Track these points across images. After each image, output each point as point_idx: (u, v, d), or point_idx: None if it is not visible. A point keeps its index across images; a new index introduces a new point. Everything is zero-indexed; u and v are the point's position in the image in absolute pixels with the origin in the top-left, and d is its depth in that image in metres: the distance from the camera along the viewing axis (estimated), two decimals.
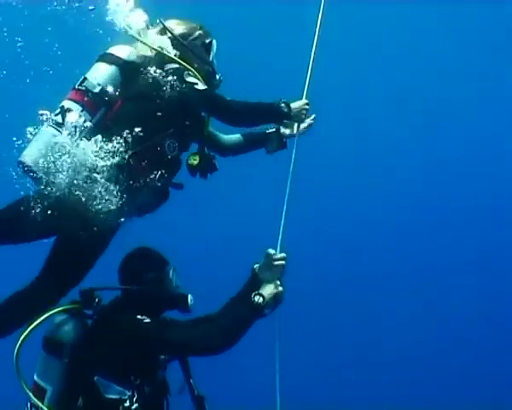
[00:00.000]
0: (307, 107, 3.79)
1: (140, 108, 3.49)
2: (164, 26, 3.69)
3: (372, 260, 7.76)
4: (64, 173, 3.30)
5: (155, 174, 3.46)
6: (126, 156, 3.38)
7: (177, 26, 3.76)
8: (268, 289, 3.22)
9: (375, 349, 7.61)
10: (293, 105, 3.76)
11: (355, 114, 7.92)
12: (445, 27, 7.95)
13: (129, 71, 3.55)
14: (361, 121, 7.96)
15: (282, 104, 3.72)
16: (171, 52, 3.61)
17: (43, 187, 3.32)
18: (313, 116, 3.90)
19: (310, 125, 3.89)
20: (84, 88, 3.44)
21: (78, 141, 3.33)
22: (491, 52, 7.93)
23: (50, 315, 3.26)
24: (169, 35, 3.67)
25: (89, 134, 3.38)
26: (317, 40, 3.72)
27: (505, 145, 8.01)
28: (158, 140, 3.47)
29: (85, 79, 3.49)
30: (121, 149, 3.38)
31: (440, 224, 7.95)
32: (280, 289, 3.24)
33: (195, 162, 3.66)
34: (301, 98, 3.77)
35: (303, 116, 3.79)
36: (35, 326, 3.22)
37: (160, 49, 3.57)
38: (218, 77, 3.82)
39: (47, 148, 3.30)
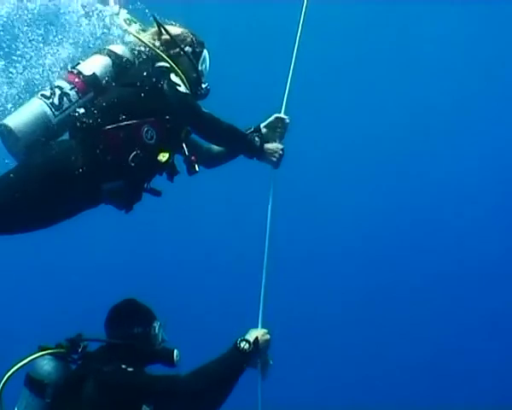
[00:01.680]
0: (281, 152, 3.80)
1: (124, 93, 3.54)
2: (158, 23, 3.74)
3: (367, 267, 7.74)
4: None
5: (128, 154, 3.46)
6: (103, 129, 3.45)
7: (171, 29, 3.81)
8: (254, 336, 3.38)
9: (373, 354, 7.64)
10: (268, 145, 3.79)
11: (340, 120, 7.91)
12: (436, 28, 7.91)
13: (121, 65, 3.64)
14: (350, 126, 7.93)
15: (256, 139, 3.76)
16: (163, 52, 3.67)
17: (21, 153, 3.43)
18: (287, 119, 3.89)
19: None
20: (76, 70, 3.56)
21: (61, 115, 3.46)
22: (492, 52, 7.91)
23: (37, 357, 3.30)
24: (164, 36, 3.75)
25: (73, 113, 3.49)
26: (296, 51, 3.82)
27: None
28: (136, 123, 3.49)
29: (79, 63, 3.61)
30: (98, 123, 3.45)
31: (438, 229, 7.89)
32: (267, 337, 3.41)
33: (164, 159, 3.56)
34: (280, 111, 3.83)
35: (274, 159, 3.80)
36: (20, 367, 3.25)
37: (152, 46, 3.65)
38: (204, 86, 3.84)
39: (32, 116, 3.41)
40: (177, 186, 3.72)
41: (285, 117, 3.89)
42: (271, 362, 3.53)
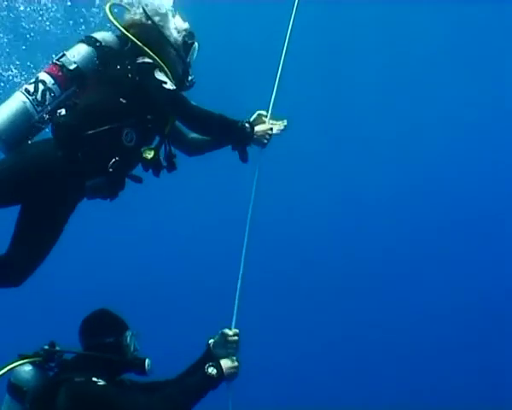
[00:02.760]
0: (271, 132, 3.78)
1: (106, 92, 3.57)
2: (147, 15, 3.70)
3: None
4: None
5: (109, 159, 3.53)
6: (83, 135, 3.49)
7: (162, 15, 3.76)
8: (224, 363, 3.39)
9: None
10: (257, 128, 3.76)
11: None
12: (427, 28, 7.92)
13: (105, 56, 3.66)
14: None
15: (246, 125, 3.73)
16: (146, 45, 3.63)
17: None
18: (285, 122, 3.88)
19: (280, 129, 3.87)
20: (60, 63, 3.60)
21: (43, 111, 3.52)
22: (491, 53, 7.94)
23: (16, 366, 3.46)
24: (154, 23, 3.70)
25: (55, 107, 3.55)
26: (286, 46, 3.83)
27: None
28: (116, 126, 3.54)
29: (64, 55, 3.64)
30: (80, 127, 3.50)
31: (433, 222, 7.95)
32: (235, 364, 3.42)
33: (149, 156, 3.61)
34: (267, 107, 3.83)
35: (265, 141, 3.78)
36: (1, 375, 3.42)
37: (136, 41, 3.62)
38: (190, 78, 3.84)
39: (14, 112, 3.48)
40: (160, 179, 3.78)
41: (266, 114, 3.85)
42: (236, 363, 3.51)
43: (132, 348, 3.55)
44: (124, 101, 3.56)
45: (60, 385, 3.40)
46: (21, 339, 3.65)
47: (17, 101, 3.52)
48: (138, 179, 3.72)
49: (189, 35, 3.82)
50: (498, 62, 7.91)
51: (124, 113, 3.55)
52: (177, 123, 3.81)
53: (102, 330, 3.54)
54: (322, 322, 7.45)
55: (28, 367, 3.49)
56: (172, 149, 3.82)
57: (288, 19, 3.91)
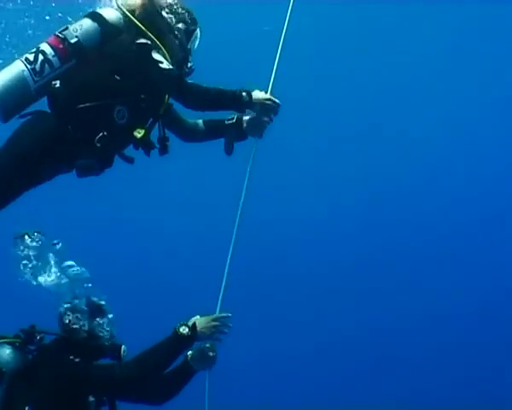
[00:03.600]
0: (269, 102, 3.78)
1: (102, 68, 3.59)
2: None
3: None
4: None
5: (99, 134, 3.54)
6: (75, 107, 3.52)
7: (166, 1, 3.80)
8: (198, 323, 3.55)
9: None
10: (256, 95, 3.75)
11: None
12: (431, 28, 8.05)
13: (108, 33, 3.66)
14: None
15: (244, 93, 3.72)
16: (148, 28, 3.66)
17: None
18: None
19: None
20: (62, 36, 3.59)
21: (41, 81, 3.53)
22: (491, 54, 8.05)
23: None
24: (157, 7, 3.73)
25: (52, 79, 3.55)
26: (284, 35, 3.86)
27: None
28: (109, 102, 3.57)
29: (67, 28, 3.64)
30: (72, 99, 3.53)
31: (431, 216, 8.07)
32: (212, 323, 3.57)
33: (139, 135, 3.62)
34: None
35: (267, 105, 3.77)
36: None
37: (138, 24, 3.64)
38: (189, 65, 3.84)
39: (12, 79, 3.48)
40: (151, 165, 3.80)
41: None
42: (213, 354, 3.64)
43: (109, 334, 3.67)
44: (118, 78, 3.59)
45: (39, 367, 3.52)
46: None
47: (16, 68, 3.52)
48: (130, 160, 3.76)
49: (192, 21, 3.85)
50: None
51: (117, 90, 3.59)
52: (175, 107, 3.86)
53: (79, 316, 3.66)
54: (319, 320, 7.58)
55: (8, 349, 3.59)
56: (167, 132, 3.85)
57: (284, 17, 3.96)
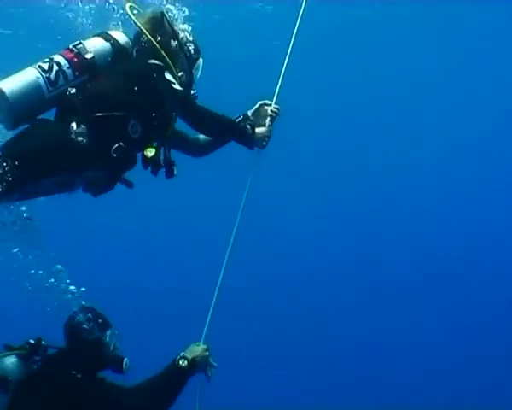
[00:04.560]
0: (270, 135, 4.01)
1: (117, 82, 3.67)
2: (168, 21, 3.82)
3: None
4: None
5: (113, 144, 3.57)
6: (91, 116, 3.56)
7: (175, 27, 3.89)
8: (193, 353, 3.67)
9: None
10: (258, 131, 3.97)
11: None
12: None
13: (119, 54, 3.76)
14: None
15: (248, 126, 3.95)
16: (162, 49, 3.74)
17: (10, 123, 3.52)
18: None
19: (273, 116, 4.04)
20: (76, 50, 3.66)
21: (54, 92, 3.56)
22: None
23: (2, 356, 3.67)
24: (164, 30, 3.81)
25: (66, 91, 3.60)
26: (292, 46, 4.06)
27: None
28: (124, 115, 3.63)
29: (80, 43, 3.72)
30: (88, 107, 3.57)
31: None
32: (203, 347, 3.70)
33: (150, 154, 3.69)
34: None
35: (264, 143, 4.00)
36: None
37: (155, 43, 3.73)
38: (193, 92, 3.93)
39: (27, 86, 3.49)
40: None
41: (269, 102, 4.07)
42: (215, 365, 3.81)
43: (112, 347, 3.77)
44: (132, 93, 3.67)
45: (43, 378, 3.63)
46: (6, 333, 3.83)
47: (31, 75, 3.52)
48: (129, 184, 3.83)
49: (195, 51, 3.96)
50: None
51: (132, 104, 3.66)
52: (181, 128, 3.96)
53: (85, 327, 3.75)
54: (319, 321, 7.77)
55: (14, 359, 3.70)
56: (172, 156, 3.92)
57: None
